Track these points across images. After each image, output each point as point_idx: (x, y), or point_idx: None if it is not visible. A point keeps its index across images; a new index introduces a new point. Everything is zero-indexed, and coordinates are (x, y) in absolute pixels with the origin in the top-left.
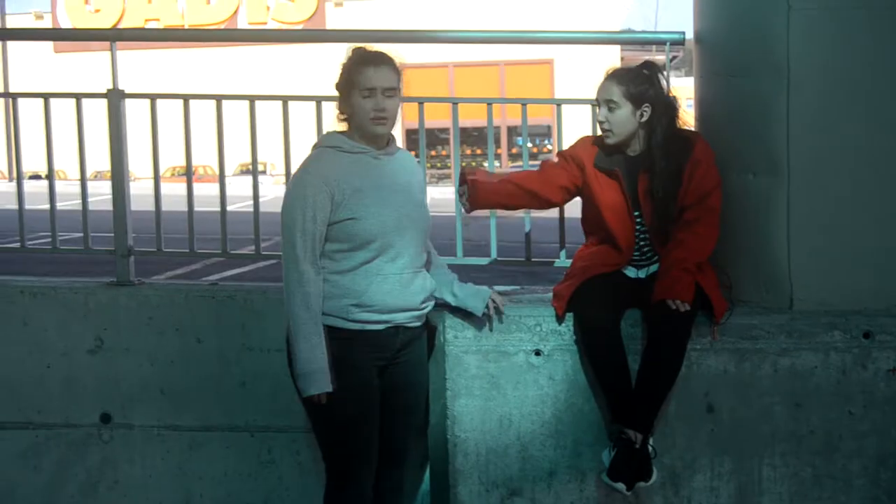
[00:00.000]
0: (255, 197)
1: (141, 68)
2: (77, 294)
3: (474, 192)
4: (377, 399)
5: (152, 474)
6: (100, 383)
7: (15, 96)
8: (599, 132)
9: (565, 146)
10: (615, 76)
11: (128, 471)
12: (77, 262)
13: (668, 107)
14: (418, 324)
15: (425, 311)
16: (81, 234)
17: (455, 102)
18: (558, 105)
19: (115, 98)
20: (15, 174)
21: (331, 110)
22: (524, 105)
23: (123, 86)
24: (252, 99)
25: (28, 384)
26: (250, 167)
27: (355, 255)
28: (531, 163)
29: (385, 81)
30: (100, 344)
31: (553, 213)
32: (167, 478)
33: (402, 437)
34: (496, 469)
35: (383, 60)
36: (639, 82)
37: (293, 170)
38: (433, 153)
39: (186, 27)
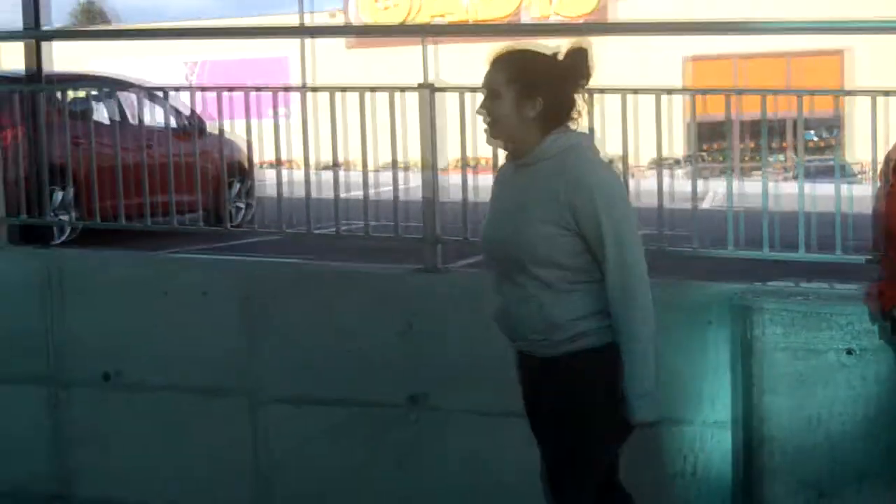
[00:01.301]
0: None
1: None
2: (387, 280)
3: None
4: None
5: (458, 456)
6: (408, 365)
7: (334, 90)
8: None
9: (855, 140)
10: None
11: (435, 451)
12: (374, 250)
13: None
14: None
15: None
16: (372, 223)
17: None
18: (843, 96)
19: (428, 92)
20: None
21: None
22: (799, 97)
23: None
24: None
25: (338, 365)
26: None
27: None
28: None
29: (487, 82)
30: (409, 327)
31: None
32: (471, 460)
33: None
34: (804, 469)
35: (491, 58)
36: None
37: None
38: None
39: (470, 23)
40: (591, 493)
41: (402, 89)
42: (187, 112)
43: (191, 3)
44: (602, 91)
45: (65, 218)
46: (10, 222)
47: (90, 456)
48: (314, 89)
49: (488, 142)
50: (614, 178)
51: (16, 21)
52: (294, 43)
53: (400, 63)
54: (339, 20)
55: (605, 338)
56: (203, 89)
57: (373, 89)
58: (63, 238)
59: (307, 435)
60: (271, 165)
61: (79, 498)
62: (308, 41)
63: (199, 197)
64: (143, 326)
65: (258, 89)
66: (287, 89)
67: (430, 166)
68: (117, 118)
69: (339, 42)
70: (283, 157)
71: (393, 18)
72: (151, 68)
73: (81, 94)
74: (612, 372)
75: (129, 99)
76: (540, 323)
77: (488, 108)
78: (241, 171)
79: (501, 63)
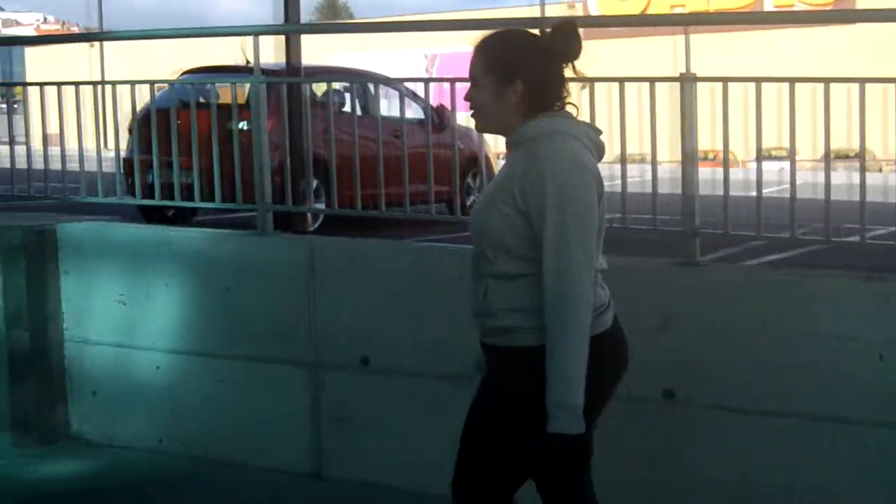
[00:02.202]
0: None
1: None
2: (646, 273)
3: None
4: None
5: (711, 453)
6: (664, 360)
7: (592, 80)
8: None
9: None
10: None
11: (689, 446)
12: (625, 243)
13: None
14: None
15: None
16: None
17: None
18: None
19: (688, 82)
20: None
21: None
22: None
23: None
24: (827, 81)
25: None
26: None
27: None
28: None
29: (470, 70)
30: (667, 322)
31: None
32: (724, 457)
33: None
34: None
35: (476, 44)
36: None
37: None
38: None
39: (711, 12)
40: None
41: (659, 80)
42: (425, 104)
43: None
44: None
45: (321, 206)
46: (276, 209)
47: (344, 438)
48: None
49: (478, 129)
50: (576, 170)
51: (261, 17)
52: None
53: (639, 54)
54: (577, 11)
55: (541, 339)
56: (435, 80)
57: (629, 80)
58: (315, 226)
59: None
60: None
61: (331, 479)
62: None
63: (431, 188)
64: (399, 312)
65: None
66: None
67: (690, 158)
68: (365, 111)
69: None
70: None
71: (630, 10)
72: (392, 61)
73: (335, 86)
74: (541, 375)
75: (377, 91)
76: (481, 306)
77: (471, 97)
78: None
79: (480, 50)
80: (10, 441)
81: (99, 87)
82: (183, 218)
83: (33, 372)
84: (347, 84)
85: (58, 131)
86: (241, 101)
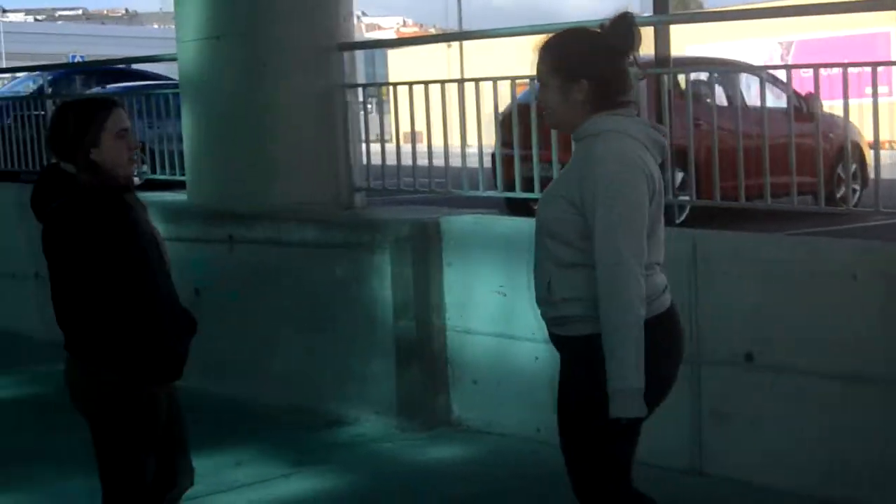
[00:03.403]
0: None
1: None
2: None
3: None
4: None
5: None
6: None
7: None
8: None
9: None
10: None
11: None
12: None
13: None
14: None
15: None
16: None
17: None
18: None
19: None
20: None
21: None
22: None
23: None
24: None
25: None
26: None
27: None
28: None
29: (536, 73)
30: None
31: None
32: None
33: None
34: None
35: (537, 47)
36: None
37: None
38: None
39: None
40: (610, 492)
41: None
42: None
43: None
44: None
45: (685, 198)
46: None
47: (725, 435)
48: None
49: (550, 128)
50: (626, 169)
51: (606, 11)
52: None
53: None
54: None
55: (596, 328)
56: (799, 67)
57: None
58: (681, 219)
59: None
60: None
61: (711, 475)
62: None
63: (794, 179)
64: (787, 307)
65: (856, 65)
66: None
67: None
68: (731, 100)
69: None
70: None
71: None
72: (746, 50)
73: (699, 76)
74: (597, 361)
75: (740, 80)
76: (544, 294)
77: (541, 99)
78: (855, 153)
79: (543, 51)
80: (395, 425)
81: (462, 84)
82: None
83: (418, 360)
84: (711, 74)
85: (422, 129)
86: None
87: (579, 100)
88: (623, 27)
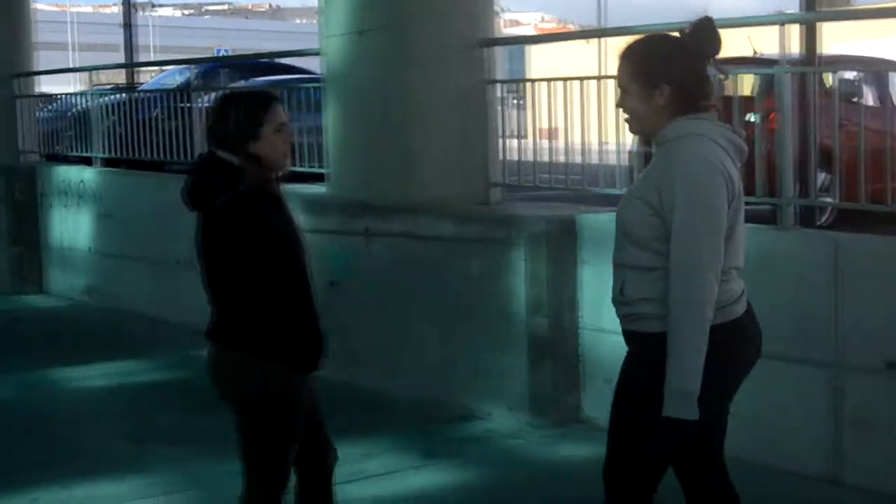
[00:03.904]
0: None
1: None
2: None
3: None
4: None
5: None
6: None
7: None
8: None
9: None
10: None
11: None
12: None
13: None
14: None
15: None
16: None
17: None
18: None
19: None
20: None
21: None
22: None
23: None
24: None
25: None
26: None
27: None
28: None
29: (617, 79)
30: None
31: None
32: None
33: None
34: None
35: (619, 53)
36: None
37: None
38: None
39: None
40: (634, 486)
41: None
42: None
43: None
44: None
45: (829, 200)
46: (799, 203)
47: (866, 444)
48: None
49: (632, 132)
50: (707, 173)
51: (755, 9)
52: None
53: None
54: None
55: (665, 327)
56: None
57: None
58: (823, 220)
59: None
60: None
61: (851, 486)
62: None
63: None
64: None
65: None
66: None
67: None
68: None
69: None
70: None
71: None
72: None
73: (847, 75)
74: (661, 359)
75: (890, 80)
76: (619, 295)
77: (622, 104)
78: None
79: (625, 57)
80: (526, 421)
81: (601, 81)
82: None
83: (551, 357)
84: (859, 73)
85: (560, 125)
86: (748, 92)
87: (661, 105)
88: (704, 31)
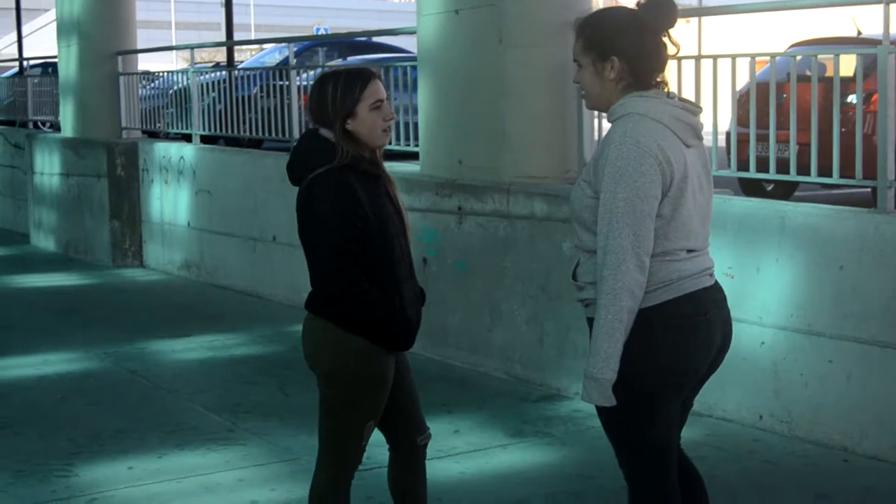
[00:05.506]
0: None
1: None
2: None
3: None
4: None
5: None
6: None
7: None
8: None
9: None
10: None
11: None
12: None
13: None
14: None
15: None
16: None
17: None
18: None
19: None
20: None
21: None
22: None
23: None
24: None
25: None
26: None
27: None
28: None
29: (573, 50)
30: None
31: None
32: None
33: None
34: None
35: (575, 26)
36: None
37: None
38: None
39: None
40: (646, 475)
41: None
42: None
43: None
44: None
45: None
46: None
47: None
48: None
49: (587, 107)
50: (636, 155)
51: None
52: None
53: None
54: None
55: None
56: None
57: None
58: None
59: None
60: None
61: None
62: None
63: None
64: None
65: None
66: None
67: None
68: None
69: None
70: None
71: None
72: None
73: None
74: None
75: None
76: (572, 278)
77: (576, 79)
78: None
79: (578, 30)
80: None
81: (699, 61)
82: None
83: None
84: None
85: None
86: (849, 73)
87: (611, 79)
88: (659, 3)
